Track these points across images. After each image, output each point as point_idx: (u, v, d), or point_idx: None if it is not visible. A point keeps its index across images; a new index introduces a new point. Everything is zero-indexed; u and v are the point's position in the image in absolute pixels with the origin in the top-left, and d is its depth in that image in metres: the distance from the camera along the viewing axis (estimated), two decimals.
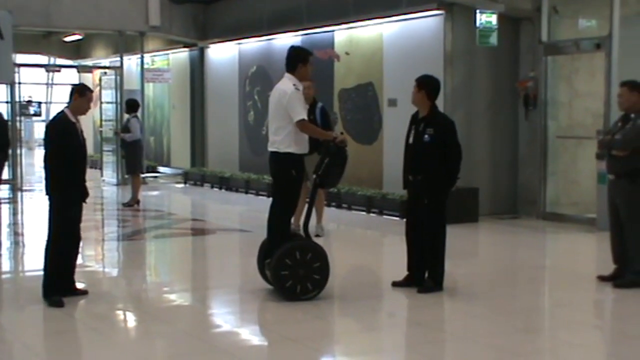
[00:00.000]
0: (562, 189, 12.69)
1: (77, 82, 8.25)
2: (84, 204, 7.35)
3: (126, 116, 14.82)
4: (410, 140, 7.61)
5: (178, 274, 9.50)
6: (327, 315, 7.27)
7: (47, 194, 7.23)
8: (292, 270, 7.21)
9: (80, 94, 7.26)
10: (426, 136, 7.46)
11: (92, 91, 7.47)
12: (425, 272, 7.65)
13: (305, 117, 7.37)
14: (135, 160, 14.32)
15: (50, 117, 7.74)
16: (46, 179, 7.24)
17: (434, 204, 7.49)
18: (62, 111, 7.24)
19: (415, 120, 7.66)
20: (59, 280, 7.22)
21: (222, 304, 7.72)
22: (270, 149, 7.50)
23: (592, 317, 7.50)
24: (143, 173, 15.20)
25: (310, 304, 7.29)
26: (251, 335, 6.73)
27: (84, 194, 7.28)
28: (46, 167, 7.23)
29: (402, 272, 7.81)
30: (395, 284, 7.77)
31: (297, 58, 7.55)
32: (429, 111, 7.57)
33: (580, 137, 12.24)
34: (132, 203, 14.08)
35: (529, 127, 12.71)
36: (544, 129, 12.48)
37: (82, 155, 7.28)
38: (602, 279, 7.98)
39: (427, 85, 7.61)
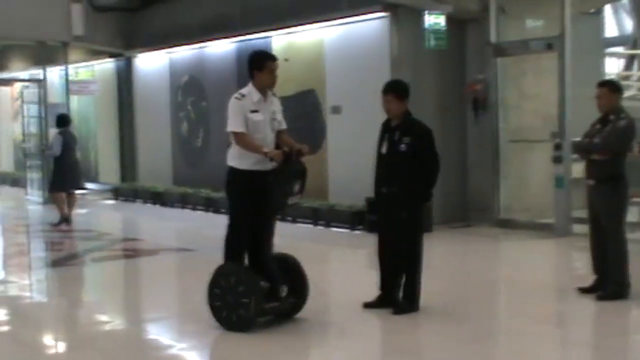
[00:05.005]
0: (514, 194, 12.33)
1: None
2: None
3: (52, 131, 13.94)
4: (384, 150, 7.05)
5: (124, 303, 8.74)
6: (297, 345, 6.64)
7: None
8: (223, 298, 6.62)
9: None
10: (402, 145, 6.94)
11: None
12: (399, 292, 7.09)
13: (235, 129, 6.64)
14: (55, 177, 13.60)
15: None
16: None
17: (410, 218, 6.96)
18: None
19: (388, 128, 7.11)
20: None
21: (180, 337, 7.01)
22: None
23: (583, 334, 7.02)
24: (64, 191, 13.98)
25: (282, 333, 6.68)
26: None
27: None
28: None
29: (367, 291, 7.24)
30: (367, 305, 7.18)
31: (251, 64, 6.92)
32: (403, 118, 7.05)
33: (534, 141, 11.90)
34: (59, 223, 13.26)
35: (478, 132, 12.32)
36: (495, 132, 12.09)
37: None
38: (582, 290, 7.56)
39: (407, 93, 7.13)
